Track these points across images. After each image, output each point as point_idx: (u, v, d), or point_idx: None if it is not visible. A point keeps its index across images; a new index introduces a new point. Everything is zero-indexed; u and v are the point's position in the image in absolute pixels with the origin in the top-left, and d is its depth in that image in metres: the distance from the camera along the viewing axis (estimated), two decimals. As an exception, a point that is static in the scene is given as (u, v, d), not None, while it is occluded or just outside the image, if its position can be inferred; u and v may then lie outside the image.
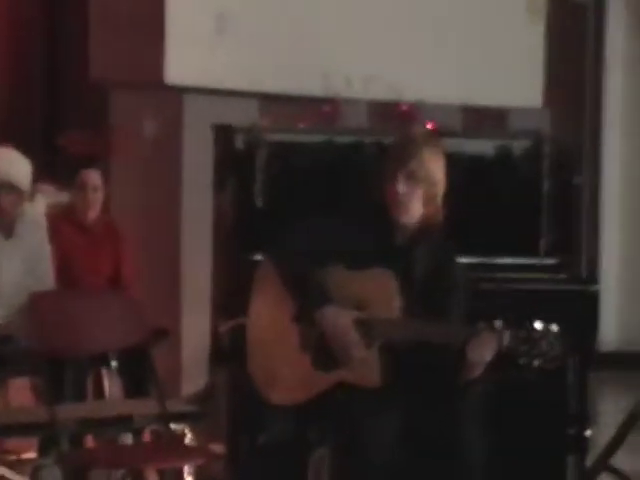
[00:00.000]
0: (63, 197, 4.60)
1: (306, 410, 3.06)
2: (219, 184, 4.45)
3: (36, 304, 3.44)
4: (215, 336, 4.34)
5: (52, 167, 4.98)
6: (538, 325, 2.90)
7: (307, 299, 3.02)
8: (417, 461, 2.99)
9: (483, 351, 2.89)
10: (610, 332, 6.99)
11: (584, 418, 4.14)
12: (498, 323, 2.92)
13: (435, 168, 3.06)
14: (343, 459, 2.97)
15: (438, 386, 3.00)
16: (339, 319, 2.98)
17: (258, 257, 3.75)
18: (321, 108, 4.75)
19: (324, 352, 3.02)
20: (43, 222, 4.25)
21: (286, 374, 3.06)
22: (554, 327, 2.91)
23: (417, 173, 3.03)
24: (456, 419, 2.99)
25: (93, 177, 4.46)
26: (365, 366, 2.97)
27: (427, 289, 3.04)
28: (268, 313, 3.12)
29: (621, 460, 4.01)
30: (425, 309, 3.00)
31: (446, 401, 3.01)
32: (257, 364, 3.13)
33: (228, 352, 4.03)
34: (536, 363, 2.88)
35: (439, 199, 3.09)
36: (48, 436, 3.58)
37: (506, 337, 2.90)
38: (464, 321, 3.03)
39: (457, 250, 3.16)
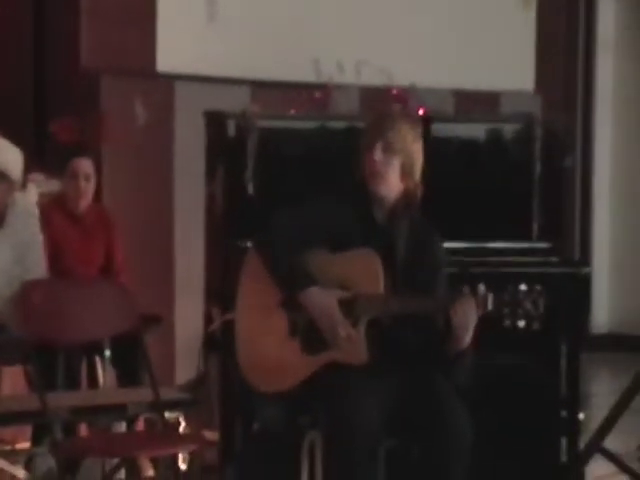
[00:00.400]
0: (53, 185, 4.59)
1: (296, 395, 3.06)
2: (211, 171, 4.45)
3: (27, 293, 3.44)
4: (208, 323, 4.34)
5: (42, 155, 4.96)
6: (521, 287, 2.89)
7: (291, 284, 3.03)
8: (407, 438, 3.00)
9: (467, 315, 2.90)
10: (602, 314, 7.01)
11: (576, 400, 4.15)
12: (481, 287, 2.91)
13: (412, 141, 3.10)
14: (334, 439, 2.96)
15: (427, 361, 3.00)
16: (324, 299, 3.00)
17: (250, 244, 3.75)
18: (313, 94, 4.75)
19: (312, 336, 3.03)
20: (35, 211, 4.24)
21: (275, 361, 3.07)
22: (538, 287, 2.91)
23: (394, 144, 3.07)
24: (446, 395, 2.98)
25: (84, 165, 4.45)
26: (352, 344, 2.98)
27: (410, 265, 3.06)
28: (255, 302, 3.13)
29: (613, 442, 4.03)
30: (409, 285, 3.02)
31: (436, 376, 3.01)
32: (245, 353, 3.13)
33: (221, 339, 4.04)
34: (521, 324, 2.89)
35: (417, 173, 3.12)
36: (41, 425, 3.58)
37: (490, 301, 2.90)
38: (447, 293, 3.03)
39: (433, 227, 3.17)
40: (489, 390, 4.02)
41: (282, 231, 3.08)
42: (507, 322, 2.90)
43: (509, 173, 4.38)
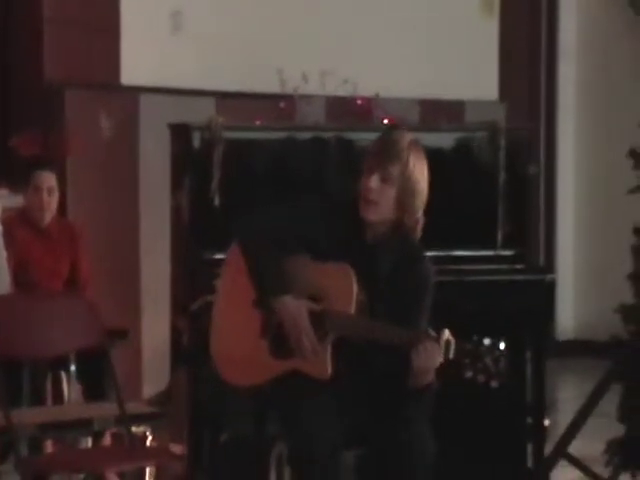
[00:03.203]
0: (18, 200, 4.56)
1: (264, 393, 3.05)
2: (176, 183, 4.44)
3: (-9, 308, 3.41)
4: (175, 336, 4.33)
5: (6, 170, 4.94)
6: (485, 341, 2.87)
7: (266, 287, 3.01)
8: (369, 451, 3.00)
9: (427, 359, 2.87)
10: (567, 320, 7.06)
11: (542, 406, 4.18)
12: (446, 333, 2.90)
13: (416, 176, 3.00)
14: (292, 448, 2.96)
15: (391, 385, 2.99)
16: (294, 309, 2.97)
17: (216, 256, 3.73)
18: (278, 105, 4.75)
19: (280, 340, 3.02)
20: (-1, 227, 4.21)
21: (245, 357, 3.06)
22: (501, 345, 2.88)
23: (393, 176, 2.97)
24: (406, 419, 2.97)
25: (47, 178, 4.43)
26: (317, 358, 2.98)
27: (392, 286, 3.01)
28: (233, 295, 3.09)
29: (578, 447, 4.06)
30: (388, 307, 2.99)
31: (396, 402, 2.99)
32: (218, 345, 3.11)
33: (188, 352, 4.03)
34: (481, 379, 2.86)
35: (416, 208, 3.03)
36: (6, 442, 3.56)
37: (452, 348, 2.88)
38: (428, 322, 3.00)
39: (424, 252, 3.12)
40: (455, 396, 4.04)
41: (266, 230, 3.02)
42: (468, 374, 2.86)
43: (474, 181, 4.40)
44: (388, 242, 3.04)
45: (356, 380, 3.01)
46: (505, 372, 2.88)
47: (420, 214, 3.05)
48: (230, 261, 3.13)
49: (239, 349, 3.05)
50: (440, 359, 2.88)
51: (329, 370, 2.96)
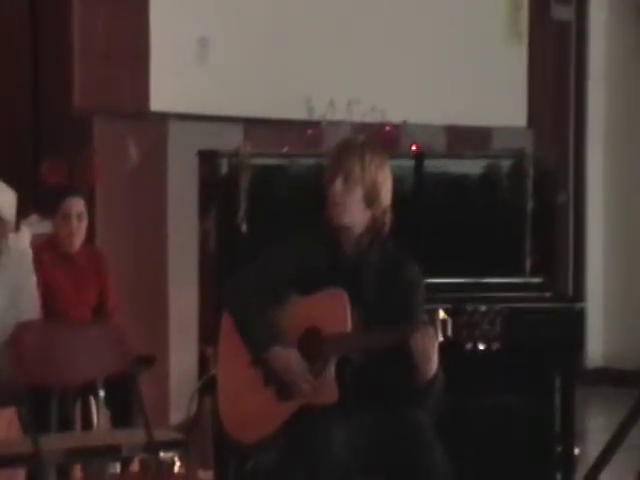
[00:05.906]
0: (47, 227, 4.59)
1: (278, 439, 3.06)
2: (204, 210, 4.46)
3: (20, 335, 3.44)
4: (202, 362, 4.34)
5: (36, 197, 4.98)
6: (479, 308, 2.87)
7: (256, 344, 3.05)
8: (384, 477, 2.98)
9: (426, 345, 2.87)
10: (597, 348, 7.00)
11: (571, 435, 4.15)
12: (441, 314, 2.89)
13: (376, 170, 3.06)
14: (306, 477, 2.96)
15: (400, 395, 2.98)
16: (284, 358, 3.00)
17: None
18: (305, 132, 4.77)
19: (284, 383, 3.05)
20: (28, 253, 4.24)
21: (253, 412, 3.08)
22: (496, 307, 2.87)
23: (354, 174, 3.03)
24: (424, 434, 2.95)
25: (76, 205, 4.45)
26: (321, 386, 2.99)
27: (381, 296, 3.03)
28: (232, 359, 3.13)
29: (608, 478, 4.01)
30: (382, 316, 3.00)
31: (414, 414, 2.98)
32: (226, 409, 3.13)
33: (215, 378, 4.03)
34: (481, 346, 2.85)
35: (384, 200, 3.07)
36: (35, 468, 3.57)
37: (449, 326, 2.87)
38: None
39: (410, 254, 3.14)
40: (484, 425, 4.01)
41: (246, 290, 3.07)
42: (469, 345, 2.85)
43: (501, 208, 4.40)
44: (368, 252, 3.07)
45: (363, 398, 3.00)
46: (504, 330, 2.85)
47: (387, 205, 3.08)
48: (225, 327, 3.16)
49: (247, 404, 3.08)
50: (438, 340, 2.87)
51: (336, 393, 2.97)
